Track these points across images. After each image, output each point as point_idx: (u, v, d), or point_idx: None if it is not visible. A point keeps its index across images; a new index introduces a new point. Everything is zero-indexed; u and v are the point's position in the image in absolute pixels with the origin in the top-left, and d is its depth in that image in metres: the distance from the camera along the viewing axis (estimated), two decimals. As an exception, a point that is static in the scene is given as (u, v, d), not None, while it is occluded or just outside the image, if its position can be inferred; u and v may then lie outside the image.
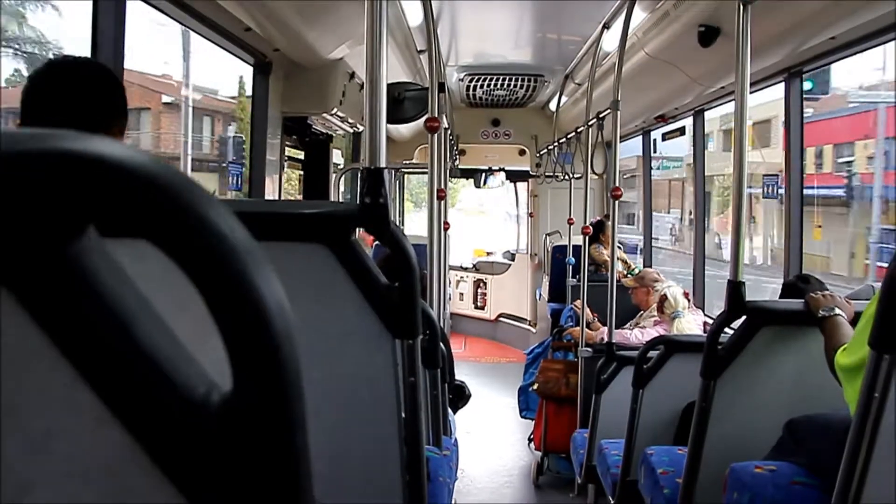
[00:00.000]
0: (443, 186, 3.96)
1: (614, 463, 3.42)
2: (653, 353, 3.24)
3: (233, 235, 0.36)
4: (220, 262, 0.36)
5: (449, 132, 5.74)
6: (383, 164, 1.43)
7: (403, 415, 1.48)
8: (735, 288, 2.18)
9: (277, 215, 1.42)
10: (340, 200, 5.56)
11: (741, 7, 2.19)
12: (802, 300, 2.21)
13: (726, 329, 2.33)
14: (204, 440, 0.37)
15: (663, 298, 4.61)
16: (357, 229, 1.46)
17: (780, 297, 2.94)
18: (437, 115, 3.17)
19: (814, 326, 2.13)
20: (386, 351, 1.45)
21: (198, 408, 0.37)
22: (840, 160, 8.20)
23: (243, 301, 0.36)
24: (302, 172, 5.18)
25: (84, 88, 1.47)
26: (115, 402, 0.37)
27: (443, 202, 3.73)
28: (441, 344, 2.75)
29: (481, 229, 16.71)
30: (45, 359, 0.36)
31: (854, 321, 2.08)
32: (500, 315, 9.90)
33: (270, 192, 4.16)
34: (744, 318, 2.24)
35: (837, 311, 2.11)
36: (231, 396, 0.37)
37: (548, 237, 8.56)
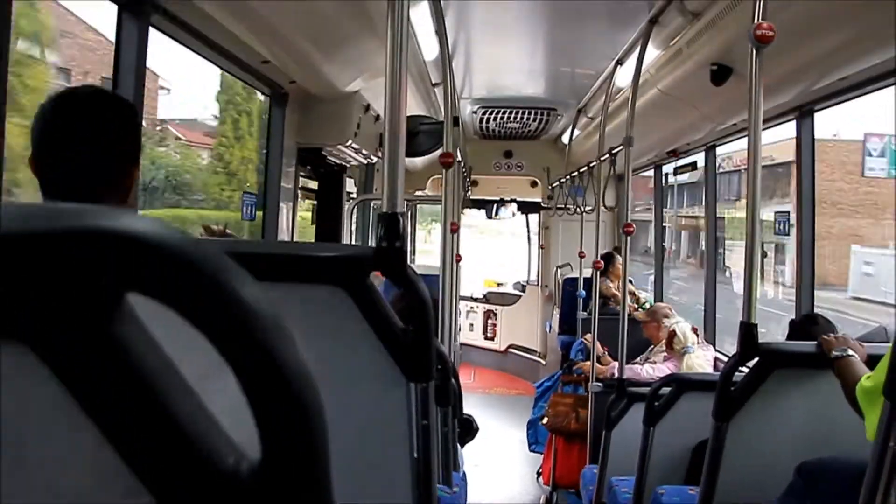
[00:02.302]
0: (455, 220, 3.97)
1: (625, 501, 3.39)
2: (664, 390, 3.23)
3: (259, 309, 0.37)
4: (247, 336, 0.36)
5: (462, 164, 5.77)
6: (401, 209, 1.45)
7: (416, 455, 1.48)
8: (748, 330, 2.18)
9: (294, 257, 1.43)
10: (353, 230, 5.59)
11: (754, 50, 2.20)
12: (814, 342, 2.21)
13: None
14: None
15: (672, 334, 4.60)
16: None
17: (788, 337, 2.93)
18: (451, 150, 3.19)
19: (826, 369, 2.12)
20: (399, 393, 1.45)
21: (227, 478, 0.37)
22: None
23: (270, 374, 0.37)
24: (315, 202, 5.21)
25: (101, 124, 1.40)
26: (143, 471, 0.37)
27: (455, 235, 3.75)
28: (451, 379, 2.75)
29: (491, 250, 16.52)
30: (72, 422, 0.36)
31: (867, 362, 2.07)
32: (509, 346, 9.87)
33: (285, 222, 4.19)
34: (756, 359, 2.23)
35: (850, 351, 2.10)
36: (260, 467, 0.38)
37: (559, 269, 8.56)
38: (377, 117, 4.91)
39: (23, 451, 0.37)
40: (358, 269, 1.42)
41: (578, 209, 7.08)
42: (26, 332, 0.35)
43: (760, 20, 2.14)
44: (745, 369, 2.31)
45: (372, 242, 6.53)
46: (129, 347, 0.36)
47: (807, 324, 2.65)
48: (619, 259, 6.46)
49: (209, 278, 0.36)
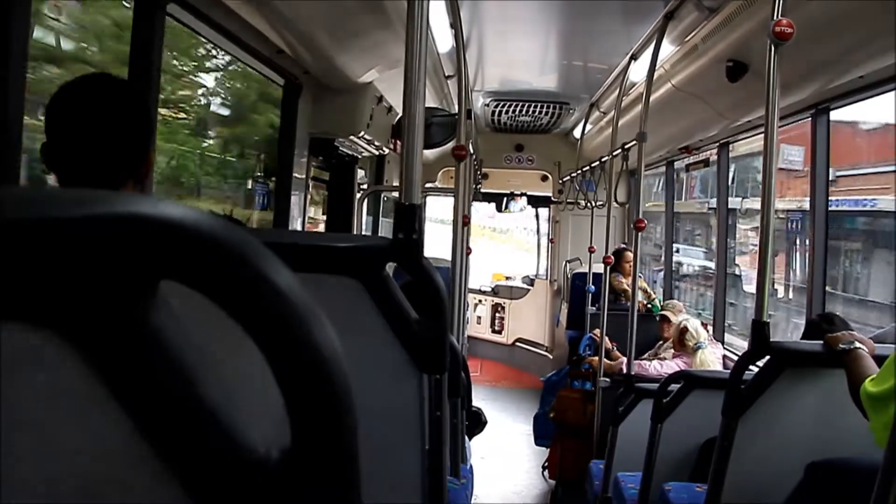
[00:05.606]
0: (467, 212, 3.97)
1: (631, 497, 3.39)
2: (673, 387, 3.23)
3: (294, 295, 0.37)
4: (282, 322, 0.36)
5: (474, 157, 5.76)
6: (417, 201, 1.45)
7: (427, 446, 1.48)
8: (759, 327, 2.17)
9: (311, 247, 1.42)
10: (363, 222, 5.59)
11: (772, 47, 2.19)
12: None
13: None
14: (264, 499, 0.37)
15: (684, 330, 4.59)
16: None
17: (803, 336, 2.92)
18: (464, 143, 3.18)
19: (837, 368, 2.11)
20: (413, 385, 1.45)
21: (258, 466, 0.37)
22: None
23: (303, 361, 0.37)
24: (326, 193, 5.22)
25: (113, 111, 1.41)
26: (174, 459, 0.37)
27: (466, 228, 3.75)
28: (461, 371, 2.75)
29: (492, 255, 16.11)
30: (104, 410, 0.36)
31: (876, 358, 2.05)
32: (517, 340, 9.88)
33: (296, 212, 4.19)
34: (767, 357, 2.22)
35: (858, 344, 2.08)
36: (291, 454, 0.38)
37: (568, 264, 8.55)
38: (389, 109, 4.91)
39: (50, 436, 0.37)
40: (375, 261, 1.41)
41: (589, 204, 7.06)
42: (57, 318, 0.35)
43: (779, 17, 2.13)
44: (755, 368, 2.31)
45: (381, 233, 6.54)
46: (161, 335, 0.36)
47: (822, 323, 2.63)
48: (629, 254, 6.46)
49: (244, 265, 0.36)
